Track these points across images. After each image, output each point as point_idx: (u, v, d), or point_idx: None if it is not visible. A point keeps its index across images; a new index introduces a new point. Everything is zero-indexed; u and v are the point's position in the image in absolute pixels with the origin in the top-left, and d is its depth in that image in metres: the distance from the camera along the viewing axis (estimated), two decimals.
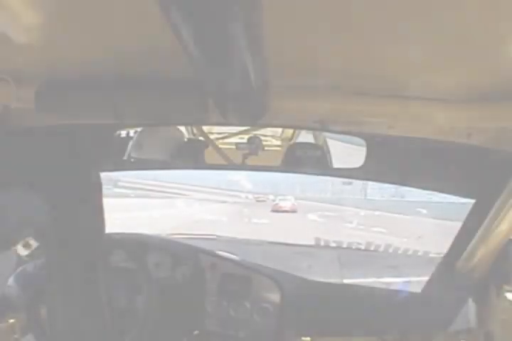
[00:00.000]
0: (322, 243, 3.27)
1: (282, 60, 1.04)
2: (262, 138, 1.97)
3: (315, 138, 2.09)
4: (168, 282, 1.91)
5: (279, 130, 2.48)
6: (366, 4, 0.81)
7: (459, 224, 1.77)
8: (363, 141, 1.64)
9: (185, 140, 1.89)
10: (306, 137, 2.14)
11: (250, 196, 27.58)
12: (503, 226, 1.56)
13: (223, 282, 1.88)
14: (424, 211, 13.92)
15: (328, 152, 1.84)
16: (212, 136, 2.11)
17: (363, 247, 2.88)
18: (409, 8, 0.81)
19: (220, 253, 1.98)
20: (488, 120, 1.26)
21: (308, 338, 2.01)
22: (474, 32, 0.89)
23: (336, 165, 1.80)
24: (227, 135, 2.25)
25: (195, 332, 2.03)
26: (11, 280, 1.50)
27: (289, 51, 1.04)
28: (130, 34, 0.99)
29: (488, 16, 0.82)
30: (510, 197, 1.48)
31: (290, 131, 2.38)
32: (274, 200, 22.44)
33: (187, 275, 1.92)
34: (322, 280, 1.92)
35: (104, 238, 1.50)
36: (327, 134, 1.89)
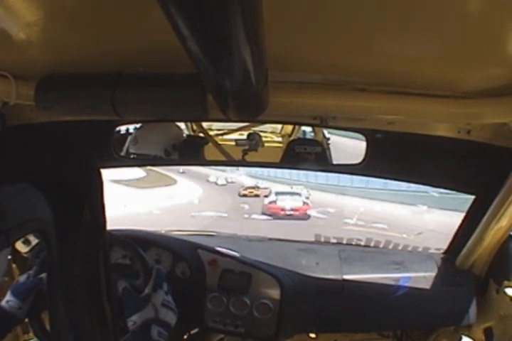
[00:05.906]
0: (322, 239, 3.26)
1: (282, 56, 1.04)
2: (262, 134, 1.97)
3: (315, 134, 2.09)
4: (168, 278, 1.90)
5: (279, 126, 2.48)
6: (366, 0, 0.81)
7: None
8: None
9: (185, 136, 1.89)
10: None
11: (222, 178, 22.43)
12: (503, 222, 1.56)
13: (223, 278, 1.87)
14: None
15: (328, 148, 1.84)
16: (212, 133, 2.10)
17: (363, 243, 2.88)
18: (409, 5, 0.81)
19: (220, 249, 1.98)
20: (487, 116, 1.26)
21: (309, 334, 2.02)
22: (473, 29, 0.89)
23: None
24: (226, 131, 2.25)
25: (195, 328, 2.03)
26: (8, 296, 1.51)
27: (288, 47, 1.04)
28: (130, 30, 0.99)
29: (488, 12, 0.82)
30: (510, 193, 1.48)
31: (290, 127, 2.38)
32: (266, 195, 14.25)
33: (187, 271, 1.92)
34: (323, 276, 1.92)
35: (106, 235, 1.50)
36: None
